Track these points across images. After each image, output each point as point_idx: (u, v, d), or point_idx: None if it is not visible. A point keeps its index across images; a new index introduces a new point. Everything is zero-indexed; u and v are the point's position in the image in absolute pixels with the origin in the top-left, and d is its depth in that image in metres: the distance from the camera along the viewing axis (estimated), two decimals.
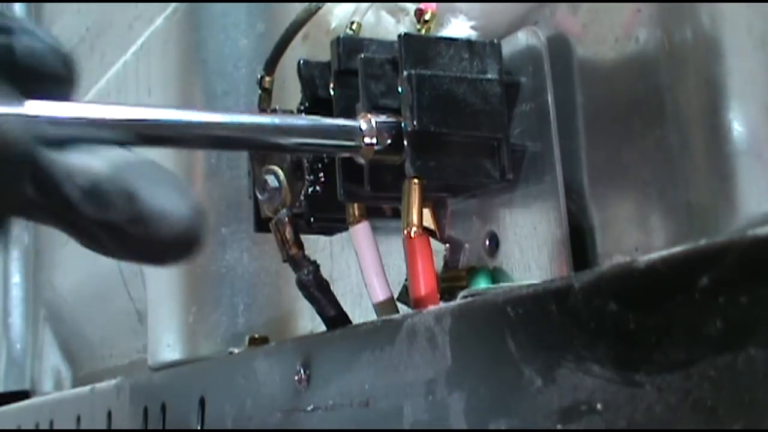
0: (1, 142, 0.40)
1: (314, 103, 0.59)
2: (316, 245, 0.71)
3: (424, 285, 0.53)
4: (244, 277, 0.91)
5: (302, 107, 0.60)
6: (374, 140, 0.52)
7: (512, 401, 0.40)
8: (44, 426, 1.10)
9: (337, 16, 0.74)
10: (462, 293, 0.50)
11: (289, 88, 0.65)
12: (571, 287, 0.37)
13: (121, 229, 0.43)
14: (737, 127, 0.45)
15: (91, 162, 0.43)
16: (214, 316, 0.92)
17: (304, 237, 0.63)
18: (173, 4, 1.02)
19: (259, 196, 0.63)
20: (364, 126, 0.53)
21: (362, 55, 0.56)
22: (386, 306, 0.59)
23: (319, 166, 0.59)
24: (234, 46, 0.94)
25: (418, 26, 0.58)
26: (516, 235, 0.56)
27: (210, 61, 0.95)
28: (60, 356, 1.48)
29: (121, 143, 0.45)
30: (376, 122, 0.53)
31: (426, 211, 0.56)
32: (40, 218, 0.44)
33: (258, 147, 0.54)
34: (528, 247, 0.55)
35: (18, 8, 1.61)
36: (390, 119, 0.53)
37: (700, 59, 0.47)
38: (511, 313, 0.40)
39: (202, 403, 0.69)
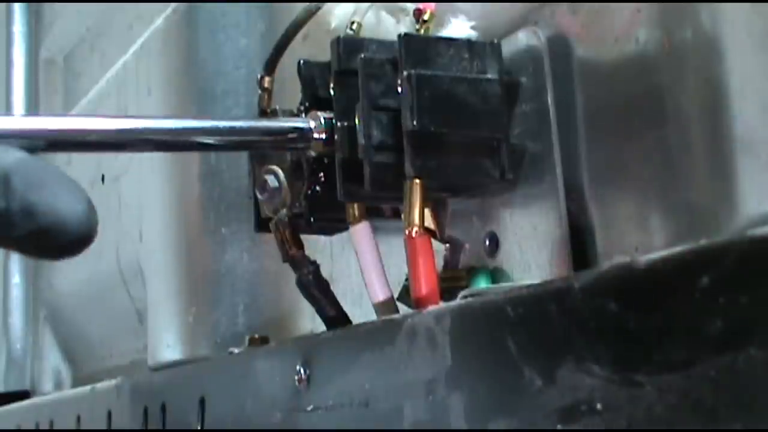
0: None
1: (314, 103, 0.60)
2: (316, 245, 0.71)
3: (425, 285, 0.53)
4: (244, 277, 0.91)
5: (302, 107, 0.60)
6: (323, 136, 0.57)
7: (512, 401, 0.40)
8: (44, 426, 1.10)
9: (338, 16, 0.74)
10: (462, 293, 0.50)
11: (289, 88, 0.65)
12: (571, 287, 0.37)
13: (20, 241, 0.43)
14: (737, 127, 0.45)
15: None
16: (215, 316, 0.92)
17: (304, 237, 0.63)
18: (173, 4, 1.02)
19: (259, 196, 0.63)
20: (312, 124, 0.57)
21: (362, 55, 0.56)
22: (386, 306, 0.59)
23: (319, 165, 0.59)
24: (234, 46, 0.94)
25: (417, 26, 0.58)
26: (516, 235, 0.56)
27: (210, 61, 0.95)
28: (60, 356, 1.48)
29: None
30: (324, 119, 0.57)
31: (426, 212, 0.56)
32: None
33: (229, 149, 0.61)
34: (528, 247, 0.55)
35: (18, 8, 1.61)
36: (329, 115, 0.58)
37: (700, 59, 0.47)
38: (511, 313, 0.40)
39: (202, 403, 0.69)
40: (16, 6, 1.61)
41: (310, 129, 0.57)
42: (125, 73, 1.16)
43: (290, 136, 0.58)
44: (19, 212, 0.43)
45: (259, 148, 0.61)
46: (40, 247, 0.44)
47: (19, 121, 0.50)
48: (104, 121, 0.53)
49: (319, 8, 0.62)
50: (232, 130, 0.56)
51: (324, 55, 0.59)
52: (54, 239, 0.44)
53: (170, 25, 1.02)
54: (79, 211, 0.44)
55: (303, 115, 0.60)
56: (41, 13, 1.60)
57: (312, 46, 0.71)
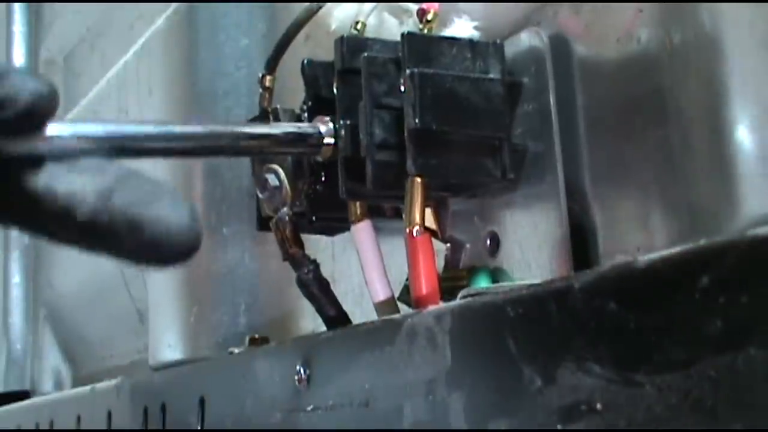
0: None
1: (317, 103, 0.60)
2: (317, 245, 0.71)
3: (426, 284, 0.53)
4: (245, 277, 0.91)
5: (305, 107, 0.60)
6: (332, 141, 0.57)
7: (512, 401, 0.40)
8: (44, 426, 1.10)
9: (337, 17, 0.74)
10: (462, 293, 0.50)
11: (290, 88, 0.65)
12: (571, 287, 0.37)
13: (129, 254, 0.44)
14: (739, 127, 0.45)
15: (85, 188, 0.44)
16: (216, 316, 0.92)
17: (306, 237, 0.63)
18: (174, 4, 1.02)
19: (260, 195, 0.63)
20: (323, 129, 0.57)
21: (365, 54, 0.56)
22: (387, 305, 0.59)
23: (320, 165, 0.59)
24: (235, 46, 0.94)
25: (420, 26, 0.58)
26: (517, 235, 0.56)
27: (211, 61, 0.95)
28: (60, 356, 1.48)
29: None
30: (333, 124, 0.57)
31: (427, 211, 0.56)
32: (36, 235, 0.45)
33: (232, 154, 0.58)
34: (529, 247, 0.55)
35: (18, 8, 1.61)
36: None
37: (701, 59, 0.47)
38: (511, 313, 0.40)
39: (202, 403, 0.69)
40: (16, 6, 1.61)
41: (320, 134, 0.57)
42: (126, 73, 1.16)
43: (299, 141, 0.57)
44: (125, 228, 0.43)
45: (269, 154, 0.61)
46: (150, 258, 0.45)
47: (101, 128, 0.51)
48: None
49: (320, 8, 0.62)
50: (242, 136, 0.56)
51: (325, 55, 0.59)
52: (162, 252, 0.44)
53: (171, 25, 1.02)
54: (184, 222, 0.44)
55: (305, 114, 0.60)
56: (41, 13, 1.60)
57: (314, 47, 0.71)
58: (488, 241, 0.58)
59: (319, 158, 0.58)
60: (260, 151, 0.59)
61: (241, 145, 0.56)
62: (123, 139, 0.51)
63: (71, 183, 0.44)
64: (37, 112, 0.43)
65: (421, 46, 0.54)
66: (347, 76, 0.57)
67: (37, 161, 0.44)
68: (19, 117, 0.42)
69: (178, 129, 0.54)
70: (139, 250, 0.44)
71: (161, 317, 1.01)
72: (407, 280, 0.57)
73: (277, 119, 0.63)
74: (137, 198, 0.44)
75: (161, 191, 0.45)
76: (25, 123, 0.43)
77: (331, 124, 0.57)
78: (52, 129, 0.46)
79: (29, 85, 0.43)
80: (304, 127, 0.58)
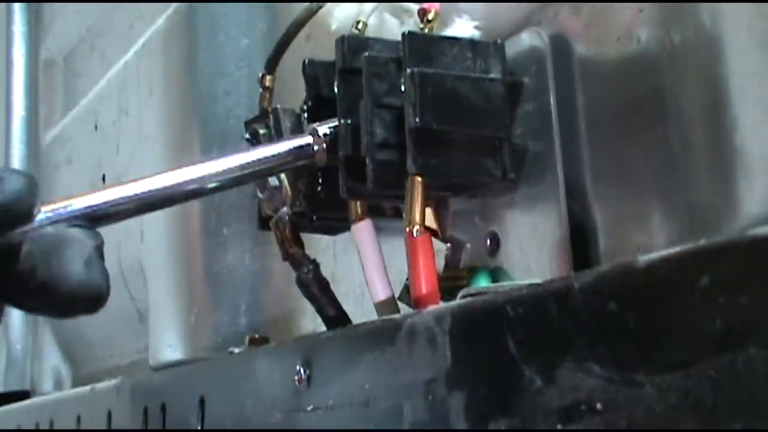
0: None
1: (318, 102, 0.60)
2: (318, 245, 0.71)
3: (426, 284, 0.53)
4: (245, 277, 0.91)
5: (306, 106, 0.60)
6: (324, 146, 0.58)
7: (512, 401, 0.40)
8: (44, 426, 1.10)
9: (338, 17, 0.74)
10: (462, 292, 0.50)
11: (290, 87, 0.65)
12: (571, 287, 0.36)
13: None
14: (738, 126, 0.45)
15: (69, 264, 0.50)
16: (216, 317, 0.92)
17: (306, 237, 0.63)
18: (174, 4, 1.02)
19: (260, 195, 0.63)
20: (314, 139, 0.58)
21: (366, 54, 0.56)
22: (387, 305, 0.59)
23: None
24: (235, 46, 0.94)
25: (421, 26, 0.58)
26: (517, 235, 0.56)
27: (211, 61, 0.95)
28: (60, 356, 1.48)
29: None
30: (323, 133, 0.58)
31: (428, 211, 0.56)
32: None
33: (230, 186, 0.58)
34: (529, 247, 0.55)
35: (18, 8, 1.61)
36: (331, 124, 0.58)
37: (701, 59, 0.47)
38: (511, 313, 0.40)
39: (202, 403, 0.69)
40: (16, 6, 1.61)
41: (310, 145, 0.58)
42: (126, 73, 1.16)
43: (294, 155, 0.58)
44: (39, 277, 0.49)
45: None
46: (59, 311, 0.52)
47: (73, 201, 0.53)
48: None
49: (320, 7, 0.62)
50: (239, 167, 0.57)
51: (326, 55, 0.59)
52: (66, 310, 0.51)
53: (171, 25, 1.02)
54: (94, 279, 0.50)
55: (305, 114, 0.60)
56: (41, 13, 1.60)
57: (314, 47, 0.72)
58: (488, 241, 0.58)
59: (319, 164, 0.58)
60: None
61: (241, 174, 0.57)
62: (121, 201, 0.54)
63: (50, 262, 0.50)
64: (18, 210, 0.48)
65: (422, 46, 0.54)
66: (348, 75, 0.57)
67: (18, 249, 0.49)
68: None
69: (175, 179, 0.55)
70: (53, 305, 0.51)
71: (161, 317, 1.01)
72: (407, 280, 0.57)
73: (277, 119, 0.63)
74: (49, 254, 0.50)
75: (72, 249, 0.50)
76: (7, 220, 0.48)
77: (324, 128, 0.58)
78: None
79: (8, 186, 0.47)
80: (296, 140, 0.58)
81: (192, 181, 0.55)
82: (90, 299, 0.50)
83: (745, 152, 0.44)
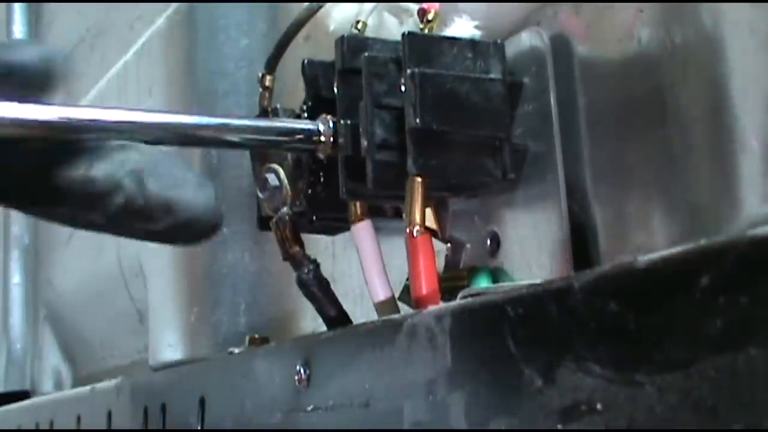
0: None
1: (317, 103, 0.60)
2: (318, 245, 0.71)
3: (426, 284, 0.53)
4: (245, 277, 0.91)
5: (305, 106, 0.60)
6: (331, 138, 0.57)
7: (512, 401, 0.40)
8: (44, 426, 1.10)
9: (335, 18, 0.74)
10: (462, 293, 0.50)
11: (290, 87, 0.65)
12: (571, 287, 0.36)
13: (159, 234, 0.49)
14: (739, 127, 0.45)
15: (119, 172, 0.46)
16: (216, 316, 0.92)
17: (306, 237, 0.63)
18: (174, 4, 1.02)
19: (260, 195, 0.63)
20: (321, 127, 0.57)
21: (366, 54, 0.56)
22: (387, 305, 0.59)
23: (320, 164, 0.59)
24: (235, 47, 0.94)
25: (421, 26, 0.58)
26: (517, 235, 0.56)
27: (211, 61, 0.95)
28: (60, 356, 1.48)
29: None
30: (332, 122, 0.57)
31: (428, 211, 0.56)
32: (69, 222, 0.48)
33: (227, 146, 0.58)
34: (529, 247, 0.55)
35: (18, 8, 1.61)
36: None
37: (702, 59, 0.47)
38: (511, 313, 0.40)
39: (202, 403, 0.69)
40: (16, 6, 1.61)
41: (320, 131, 0.57)
42: (126, 73, 1.16)
43: (299, 137, 0.58)
44: (159, 210, 0.47)
45: (268, 148, 0.61)
46: (178, 238, 0.50)
47: (134, 115, 0.52)
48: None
49: (320, 7, 0.62)
50: (242, 128, 0.56)
51: (325, 55, 0.59)
52: (190, 231, 0.49)
53: (171, 25, 1.02)
54: (211, 205, 0.49)
55: (305, 114, 0.60)
56: (41, 13, 1.60)
57: (314, 47, 0.71)
58: (488, 241, 0.58)
59: (320, 155, 0.58)
60: (260, 143, 0.59)
61: (244, 137, 0.57)
62: (132, 126, 0.52)
63: (106, 169, 0.45)
64: (51, 73, 0.46)
65: (422, 46, 0.54)
66: (348, 75, 0.57)
67: (73, 150, 0.45)
68: (35, 77, 0.45)
69: (184, 120, 0.54)
70: (171, 231, 0.47)
71: (161, 317, 1.00)
72: (407, 280, 0.57)
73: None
74: (168, 181, 0.47)
75: (188, 174, 0.48)
76: (40, 82, 0.45)
77: (331, 122, 0.57)
78: (83, 113, 0.47)
79: (38, 50, 0.45)
80: (305, 123, 0.58)
81: (197, 126, 0.54)
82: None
83: (745, 152, 0.44)
